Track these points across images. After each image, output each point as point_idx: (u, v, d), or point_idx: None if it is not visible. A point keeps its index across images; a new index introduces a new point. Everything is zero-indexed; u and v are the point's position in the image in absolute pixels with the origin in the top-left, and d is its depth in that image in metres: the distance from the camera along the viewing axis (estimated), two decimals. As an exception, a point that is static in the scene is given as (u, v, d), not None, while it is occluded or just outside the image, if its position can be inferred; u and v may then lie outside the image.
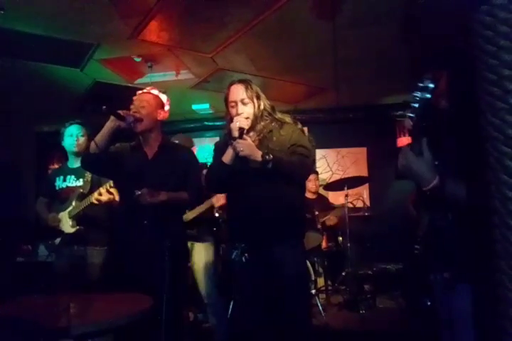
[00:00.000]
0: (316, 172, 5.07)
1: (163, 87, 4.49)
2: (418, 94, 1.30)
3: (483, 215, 0.86)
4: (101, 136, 2.31)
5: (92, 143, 2.33)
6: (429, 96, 1.28)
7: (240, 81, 2.17)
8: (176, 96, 4.82)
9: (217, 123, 5.98)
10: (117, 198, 2.88)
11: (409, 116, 1.33)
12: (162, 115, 2.50)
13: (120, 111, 2.27)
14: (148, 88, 2.57)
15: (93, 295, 2.24)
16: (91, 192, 2.87)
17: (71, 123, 3.12)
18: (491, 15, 0.82)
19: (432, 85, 1.28)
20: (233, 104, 2.13)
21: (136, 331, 2.06)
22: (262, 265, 2.03)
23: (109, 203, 2.80)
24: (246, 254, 2.04)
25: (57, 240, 2.99)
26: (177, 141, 3.18)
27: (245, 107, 2.11)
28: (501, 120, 0.82)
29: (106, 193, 2.77)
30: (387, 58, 4.17)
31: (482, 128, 0.86)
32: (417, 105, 1.31)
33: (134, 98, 2.47)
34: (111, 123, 2.30)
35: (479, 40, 0.85)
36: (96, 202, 2.79)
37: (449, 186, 1.34)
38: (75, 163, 3.09)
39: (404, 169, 1.39)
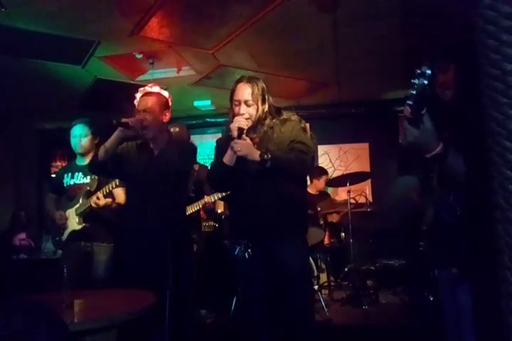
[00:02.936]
0: (326, 173, 5.06)
1: (164, 84, 4.45)
2: (416, 80, 1.28)
3: (486, 210, 0.86)
4: (110, 145, 2.36)
5: (101, 151, 2.37)
6: (426, 82, 1.27)
7: (248, 80, 2.12)
8: (178, 92, 4.81)
9: (219, 120, 5.98)
10: (117, 201, 2.96)
11: (408, 104, 1.33)
12: (168, 116, 2.49)
13: (128, 120, 2.29)
14: (150, 85, 2.56)
15: (97, 291, 2.26)
16: (98, 189, 2.91)
17: (75, 123, 3.13)
18: (494, 10, 0.81)
19: (429, 71, 1.27)
20: (237, 102, 2.11)
21: (140, 327, 2.07)
22: (264, 261, 2.03)
23: (107, 207, 2.89)
24: (249, 250, 2.04)
25: (65, 236, 3.02)
26: (177, 129, 3.22)
27: (248, 108, 2.09)
28: (504, 115, 0.81)
29: (102, 198, 2.86)
30: (388, 53, 4.15)
31: (485, 123, 0.85)
32: (414, 92, 1.30)
33: (137, 102, 2.44)
34: (119, 133, 2.33)
35: (482, 35, 0.85)
36: (94, 205, 2.86)
37: (450, 157, 1.34)
38: (82, 161, 3.12)
39: (409, 144, 1.38)
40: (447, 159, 1.35)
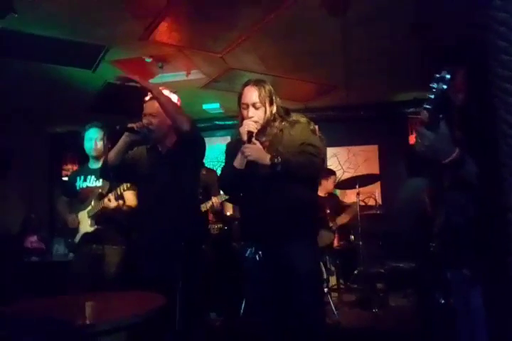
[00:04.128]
0: (334, 173, 5.05)
1: (173, 87, 4.50)
2: (434, 85, 1.27)
3: (498, 212, 0.85)
4: (117, 150, 2.36)
5: (110, 156, 2.39)
6: (445, 87, 1.26)
7: (255, 83, 2.13)
8: (187, 96, 4.83)
9: (228, 123, 6.00)
10: (128, 203, 3.00)
11: (426, 108, 1.31)
12: None
13: (133, 125, 2.30)
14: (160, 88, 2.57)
15: (107, 293, 2.27)
16: (110, 192, 2.95)
17: (90, 126, 3.16)
18: (505, 11, 0.81)
19: (448, 76, 1.26)
20: (245, 106, 2.12)
21: (150, 329, 2.08)
22: (274, 263, 2.03)
23: (119, 209, 2.93)
24: (259, 253, 2.04)
25: (77, 239, 3.05)
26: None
27: (256, 111, 2.08)
28: (515, 117, 0.81)
29: (114, 200, 2.90)
30: (397, 55, 4.14)
31: (496, 125, 0.85)
32: (433, 96, 1.29)
33: (145, 105, 2.44)
34: (126, 138, 2.34)
35: (492, 36, 0.85)
36: (106, 207, 2.91)
37: (468, 163, 1.33)
38: (95, 164, 3.15)
39: (426, 148, 1.37)
40: (465, 165, 1.34)
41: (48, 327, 1.46)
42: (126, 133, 2.33)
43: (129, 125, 2.30)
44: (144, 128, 2.32)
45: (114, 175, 2.50)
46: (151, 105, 2.43)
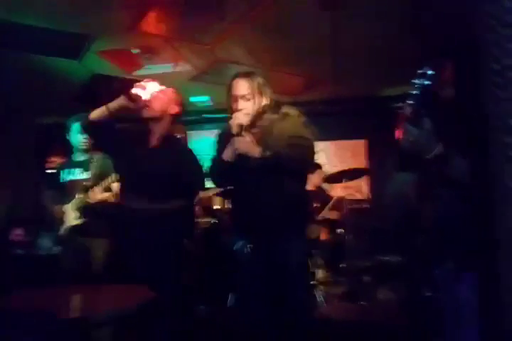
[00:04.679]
0: (320, 167, 5.05)
1: (161, 79, 4.45)
2: (418, 81, 1.28)
3: (487, 205, 0.86)
4: (106, 108, 2.21)
5: (97, 111, 2.23)
6: (428, 83, 1.27)
7: (245, 74, 2.10)
8: (175, 88, 4.79)
9: (216, 116, 5.97)
10: (116, 196, 2.93)
11: (409, 104, 1.32)
12: (174, 110, 2.43)
13: (134, 92, 2.19)
14: (146, 80, 2.52)
15: (94, 286, 2.25)
16: (96, 184, 2.92)
17: (78, 119, 3.09)
18: (496, 5, 0.81)
19: (431, 72, 1.26)
20: (235, 98, 2.09)
21: (138, 323, 2.07)
22: (265, 256, 2.03)
23: (106, 201, 2.89)
24: (249, 245, 2.04)
25: (62, 232, 3.02)
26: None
27: (246, 103, 2.06)
28: (504, 110, 0.81)
29: (99, 192, 2.88)
30: (386, 49, 4.15)
31: (486, 119, 0.85)
32: (416, 92, 1.29)
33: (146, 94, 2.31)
34: (121, 101, 2.21)
35: (483, 30, 0.85)
36: (91, 200, 2.88)
37: (451, 158, 1.34)
38: (80, 157, 3.11)
39: (410, 144, 1.38)
40: (448, 160, 1.35)
41: (46, 327, 1.45)
42: (122, 97, 2.21)
43: (132, 90, 2.20)
44: (141, 100, 2.22)
45: (92, 130, 2.33)
46: (157, 94, 2.34)
